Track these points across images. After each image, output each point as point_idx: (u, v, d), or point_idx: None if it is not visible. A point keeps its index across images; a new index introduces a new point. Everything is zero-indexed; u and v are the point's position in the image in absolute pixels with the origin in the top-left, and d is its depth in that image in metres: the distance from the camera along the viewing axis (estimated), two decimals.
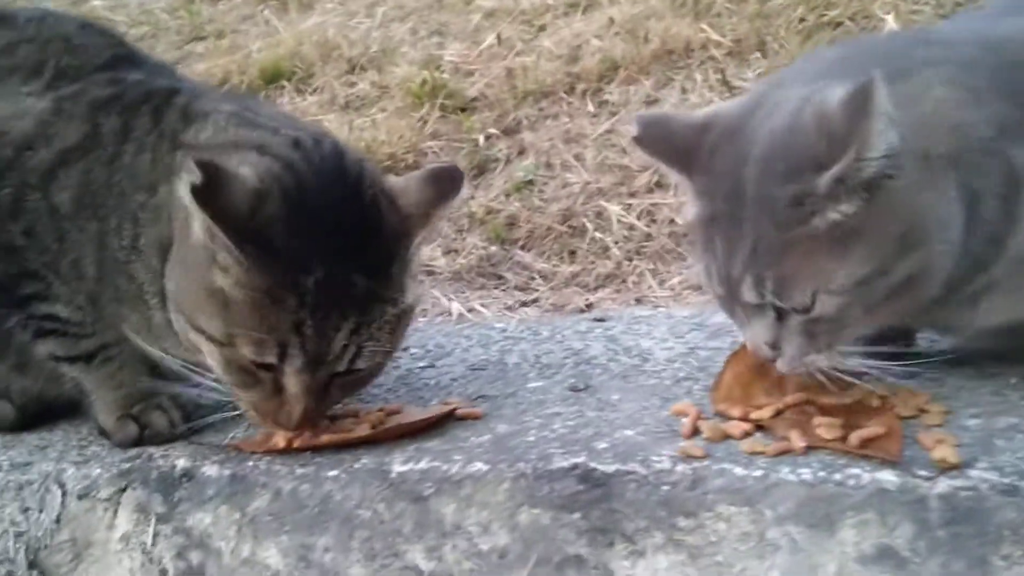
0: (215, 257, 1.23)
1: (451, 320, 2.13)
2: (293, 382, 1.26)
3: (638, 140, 1.29)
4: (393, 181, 1.40)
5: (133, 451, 1.44)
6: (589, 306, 2.12)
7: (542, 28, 3.09)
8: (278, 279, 1.22)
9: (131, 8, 4.01)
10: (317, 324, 1.23)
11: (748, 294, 1.16)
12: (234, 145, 1.34)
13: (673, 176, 1.28)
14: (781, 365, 1.21)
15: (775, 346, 1.19)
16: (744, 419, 1.25)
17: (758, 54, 2.67)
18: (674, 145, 1.25)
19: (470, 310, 2.17)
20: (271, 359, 1.24)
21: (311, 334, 1.23)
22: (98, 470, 1.40)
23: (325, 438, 1.34)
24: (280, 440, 1.34)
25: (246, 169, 1.26)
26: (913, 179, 1.10)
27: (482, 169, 2.65)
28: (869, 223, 1.09)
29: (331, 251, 1.24)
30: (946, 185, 1.12)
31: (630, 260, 2.22)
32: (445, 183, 1.35)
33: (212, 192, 1.19)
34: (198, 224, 1.24)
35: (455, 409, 1.41)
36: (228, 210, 1.20)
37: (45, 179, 1.42)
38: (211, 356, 1.29)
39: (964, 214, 1.14)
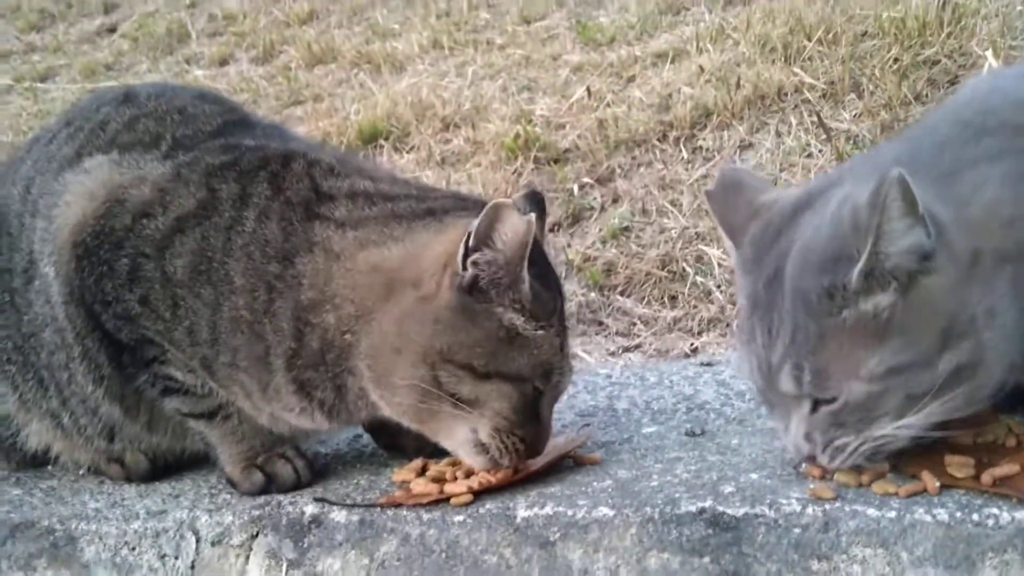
0: (503, 300, 1.32)
1: None
2: (547, 405, 1.39)
3: (709, 195, 1.37)
4: None
5: (262, 498, 1.48)
6: (694, 351, 2.12)
7: (631, 79, 3.13)
8: (549, 307, 1.37)
9: (231, 77, 4.19)
10: (567, 342, 1.41)
11: (786, 383, 1.16)
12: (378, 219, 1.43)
13: (724, 240, 1.35)
14: (820, 458, 1.19)
15: (810, 438, 1.18)
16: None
17: (853, 95, 2.66)
18: (729, 218, 1.31)
19: (572, 356, 2.18)
20: (553, 380, 1.37)
21: (566, 352, 1.41)
22: (230, 517, 1.45)
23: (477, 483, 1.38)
24: (433, 489, 1.38)
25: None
26: (955, 277, 1.12)
27: (577, 217, 2.68)
28: (905, 317, 1.11)
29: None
30: (998, 279, 1.13)
31: (734, 304, 2.22)
32: None
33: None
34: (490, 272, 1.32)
35: (583, 443, 1.46)
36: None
37: (160, 247, 1.45)
38: (502, 400, 1.33)
39: None
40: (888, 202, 1.08)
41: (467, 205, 1.46)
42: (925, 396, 1.12)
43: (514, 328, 1.33)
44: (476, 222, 1.30)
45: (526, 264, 1.32)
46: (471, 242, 1.31)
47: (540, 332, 1.34)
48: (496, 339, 1.32)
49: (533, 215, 1.31)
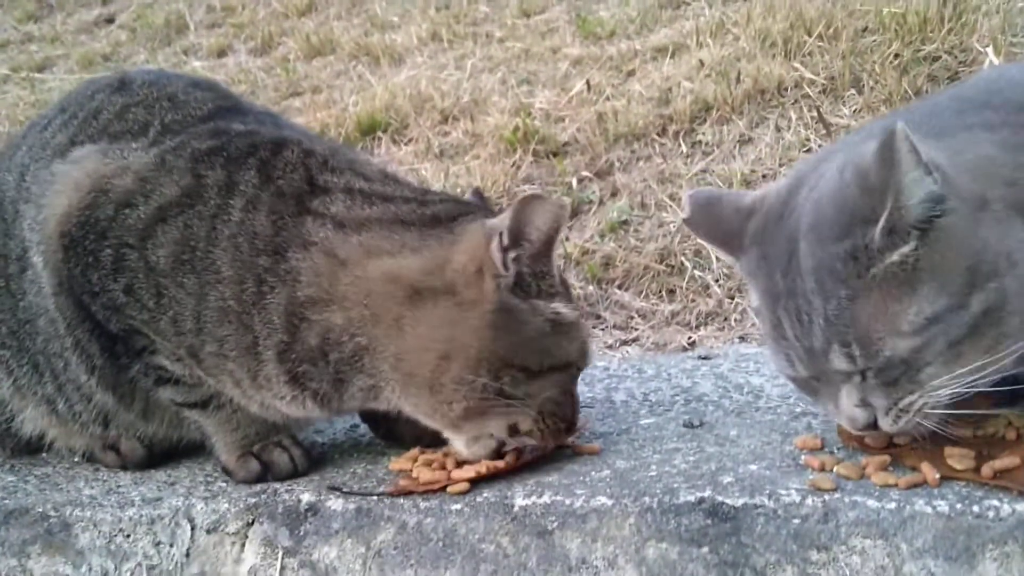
0: (544, 290, 1.35)
1: None
2: (576, 381, 1.43)
3: (688, 222, 1.36)
4: None
5: (258, 486, 1.47)
6: (692, 344, 2.12)
7: (631, 73, 3.12)
8: (569, 288, 1.43)
9: (230, 68, 4.17)
10: None
11: (839, 362, 1.14)
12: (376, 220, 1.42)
13: (723, 257, 1.35)
14: (883, 423, 1.17)
15: (865, 404, 1.16)
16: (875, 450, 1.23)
17: (853, 91, 2.66)
18: (721, 229, 1.30)
19: None
20: (589, 357, 1.43)
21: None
22: (225, 505, 1.44)
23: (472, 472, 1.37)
24: (441, 476, 1.38)
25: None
26: (967, 215, 1.11)
27: (576, 211, 2.67)
28: (931, 261, 1.10)
29: None
30: (1012, 226, 1.12)
31: (732, 298, 2.22)
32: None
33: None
34: (518, 271, 1.34)
35: (581, 432, 1.45)
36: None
37: (142, 237, 1.44)
38: (554, 389, 1.37)
39: None
40: (899, 156, 1.07)
41: (470, 208, 1.47)
42: (963, 341, 1.10)
43: (558, 315, 1.36)
44: (507, 221, 1.32)
45: (555, 250, 1.35)
46: (506, 241, 1.32)
47: (577, 312, 1.39)
48: (544, 332, 1.35)
49: (566, 199, 1.34)
